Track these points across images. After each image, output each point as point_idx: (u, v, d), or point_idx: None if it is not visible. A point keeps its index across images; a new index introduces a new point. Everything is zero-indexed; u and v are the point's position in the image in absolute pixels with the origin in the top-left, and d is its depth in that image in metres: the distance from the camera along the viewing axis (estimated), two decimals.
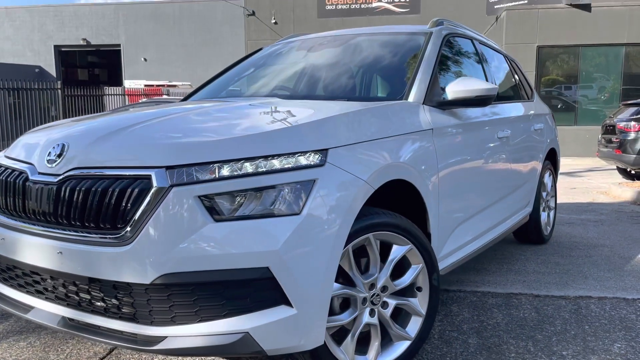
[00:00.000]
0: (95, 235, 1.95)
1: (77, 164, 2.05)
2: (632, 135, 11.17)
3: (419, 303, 2.44)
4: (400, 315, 2.44)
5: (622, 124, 11.41)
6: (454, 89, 2.88)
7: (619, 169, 12.25)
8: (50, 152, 2.15)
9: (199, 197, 1.86)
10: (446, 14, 22.76)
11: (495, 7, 21.59)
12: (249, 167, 1.92)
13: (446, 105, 2.93)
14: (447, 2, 22.90)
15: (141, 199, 1.88)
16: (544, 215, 4.81)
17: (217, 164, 1.90)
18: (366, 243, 2.24)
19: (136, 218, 1.87)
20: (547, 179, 4.87)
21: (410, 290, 2.43)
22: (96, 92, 19.36)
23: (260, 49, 4.03)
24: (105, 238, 1.93)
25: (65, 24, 32.05)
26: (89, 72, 37.13)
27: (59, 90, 15.91)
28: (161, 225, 1.85)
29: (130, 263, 1.87)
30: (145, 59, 31.21)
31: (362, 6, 23.64)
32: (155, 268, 1.85)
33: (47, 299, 2.16)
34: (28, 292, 2.24)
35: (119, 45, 31.63)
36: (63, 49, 32.84)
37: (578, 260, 4.28)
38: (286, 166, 1.95)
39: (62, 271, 2.02)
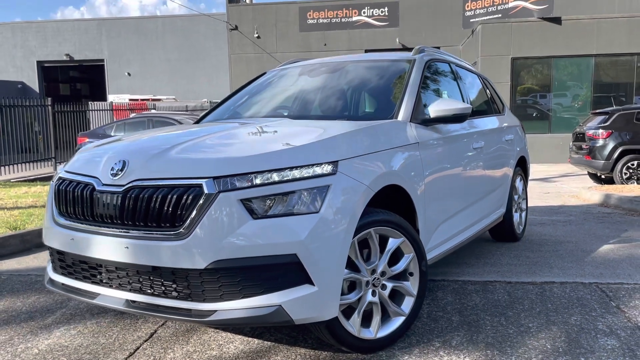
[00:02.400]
0: (156, 233, 2.47)
1: (137, 176, 2.57)
2: (600, 142, 11.88)
3: (411, 285, 2.98)
4: (396, 296, 2.97)
5: (591, 132, 12.14)
6: (434, 109, 3.45)
7: (589, 174, 12.98)
8: (113, 167, 2.66)
9: (240, 200, 2.39)
10: (423, 27, 23.61)
11: (471, 20, 22.46)
12: (276, 176, 2.45)
13: (429, 122, 3.50)
14: (424, 16, 23.73)
15: (194, 203, 2.41)
16: (516, 216, 5.41)
17: (252, 174, 2.44)
18: (368, 236, 2.78)
19: (191, 218, 2.40)
20: (519, 184, 5.48)
21: (404, 275, 2.97)
22: (84, 107, 19.73)
23: (264, 74, 4.58)
24: (165, 234, 2.44)
25: (48, 39, 32.28)
26: (70, 87, 37.27)
27: (49, 107, 16.25)
28: (211, 223, 2.38)
29: (187, 253, 2.39)
30: (129, 74, 31.56)
31: (343, 20, 24.36)
32: (208, 256, 2.37)
33: (110, 286, 2.67)
34: (93, 282, 2.74)
35: (102, 60, 31.93)
36: (46, 65, 33.04)
37: (546, 254, 4.88)
38: (306, 175, 2.49)
39: (129, 262, 2.53)
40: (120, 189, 2.58)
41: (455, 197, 3.83)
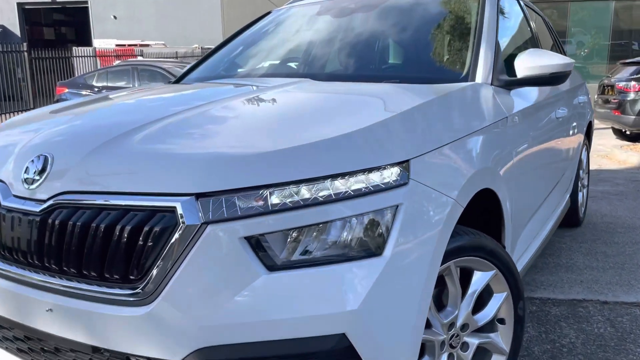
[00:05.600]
0: (99, 289, 1.41)
1: (67, 186, 1.49)
2: (631, 96, 10.82)
3: (501, 338, 1.96)
4: (477, 355, 1.96)
5: (621, 84, 11.03)
6: (525, 65, 2.33)
7: (613, 129, 11.94)
8: (28, 168, 1.57)
9: (245, 238, 1.33)
10: None
11: None
12: (307, 192, 1.38)
13: (513, 85, 2.40)
14: None
15: (164, 241, 1.34)
16: (580, 196, 4.37)
17: (265, 189, 1.36)
18: (445, 273, 1.75)
19: (158, 268, 1.34)
20: (584, 155, 4.41)
21: (491, 324, 1.95)
22: (64, 53, 18.23)
23: (268, 13, 3.41)
24: (114, 294, 1.39)
25: None
26: (55, 31, 35.36)
27: (25, 53, 14.85)
28: (194, 279, 1.32)
29: (151, 331, 1.34)
30: (114, 17, 29.73)
31: None
32: (188, 340, 1.32)
33: None
34: (9, 350, 1.71)
35: (86, 2, 30.04)
36: (26, 6, 31.10)
37: (626, 249, 3.86)
38: (358, 188, 1.42)
39: (54, 334, 1.48)
40: (38, 208, 1.51)
41: (538, 189, 2.77)
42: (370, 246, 1.40)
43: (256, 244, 1.34)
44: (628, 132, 11.33)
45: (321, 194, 1.38)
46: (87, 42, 28.90)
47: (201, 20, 28.89)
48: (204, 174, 1.37)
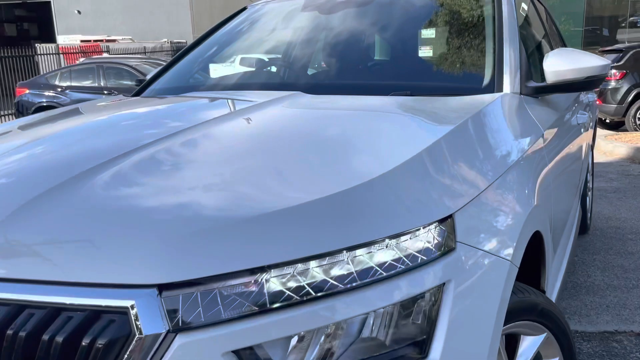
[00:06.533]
0: None
1: None
2: (612, 84, 10.65)
3: None
4: None
5: None
6: (555, 68, 1.94)
7: None
8: None
9: (235, 352, 0.91)
10: None
11: None
12: (319, 271, 0.96)
13: (543, 93, 2.01)
14: None
15: (113, 356, 0.91)
16: (587, 200, 4.03)
17: (262, 274, 0.94)
18: None
19: None
20: (590, 157, 4.07)
21: None
22: (27, 51, 17.39)
23: (244, 9, 2.95)
24: None
25: None
26: (17, 28, 34.14)
27: None
28: None
29: None
30: (79, 12, 28.80)
31: None
32: None
33: None
34: None
35: None
36: None
37: None
38: (389, 262, 1.00)
39: None
40: None
41: (569, 207, 2.40)
42: (409, 353, 0.99)
43: (246, 355, 0.92)
44: (608, 121, 11.18)
45: (335, 273, 0.97)
46: (51, 38, 27.89)
47: (169, 13, 28.09)
48: (173, 253, 0.95)
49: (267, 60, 2.57)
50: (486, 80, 1.91)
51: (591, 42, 16.82)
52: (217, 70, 2.42)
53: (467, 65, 2.09)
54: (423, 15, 2.36)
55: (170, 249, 0.95)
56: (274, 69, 2.43)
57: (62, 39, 24.93)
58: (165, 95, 2.28)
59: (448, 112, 1.57)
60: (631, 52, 10.79)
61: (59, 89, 11.56)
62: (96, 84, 11.52)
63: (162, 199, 1.10)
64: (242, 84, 2.28)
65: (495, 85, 1.86)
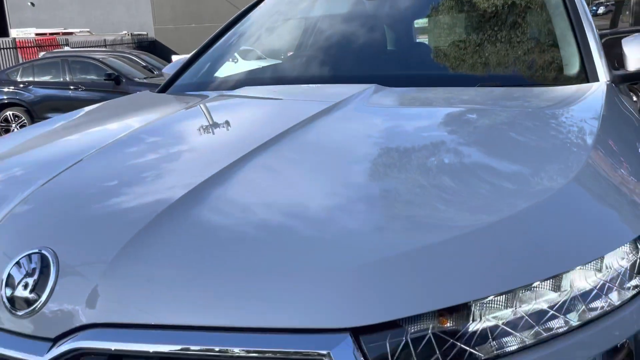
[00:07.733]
0: None
1: (93, 315, 0.82)
2: None
3: None
4: None
5: None
6: (638, 55, 1.81)
7: None
8: (11, 276, 0.89)
9: None
10: None
11: None
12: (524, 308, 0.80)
13: (629, 80, 1.88)
14: None
15: None
16: None
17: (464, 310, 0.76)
18: None
19: None
20: None
21: None
22: None
23: None
24: None
25: None
26: None
27: None
28: None
29: None
30: (32, 4, 27.80)
31: None
32: None
33: None
34: None
35: None
36: None
37: None
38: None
39: None
40: (42, 357, 0.83)
41: None
42: None
43: None
44: None
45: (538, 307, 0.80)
46: (4, 32, 26.78)
47: (129, 4, 27.31)
48: (366, 293, 0.76)
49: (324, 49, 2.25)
50: (574, 68, 1.76)
51: None
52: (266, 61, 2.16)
53: (551, 53, 1.93)
54: (503, 3, 2.16)
55: (363, 287, 0.76)
56: (337, 58, 2.13)
57: (16, 33, 24.00)
58: (205, 90, 2.03)
59: (568, 107, 1.41)
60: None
61: (22, 85, 10.98)
62: (61, 79, 10.99)
63: (326, 225, 0.90)
64: (310, 77, 2.01)
65: (589, 74, 1.71)
